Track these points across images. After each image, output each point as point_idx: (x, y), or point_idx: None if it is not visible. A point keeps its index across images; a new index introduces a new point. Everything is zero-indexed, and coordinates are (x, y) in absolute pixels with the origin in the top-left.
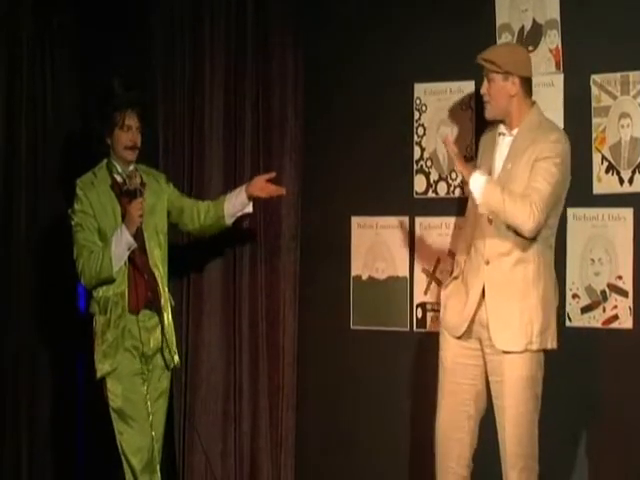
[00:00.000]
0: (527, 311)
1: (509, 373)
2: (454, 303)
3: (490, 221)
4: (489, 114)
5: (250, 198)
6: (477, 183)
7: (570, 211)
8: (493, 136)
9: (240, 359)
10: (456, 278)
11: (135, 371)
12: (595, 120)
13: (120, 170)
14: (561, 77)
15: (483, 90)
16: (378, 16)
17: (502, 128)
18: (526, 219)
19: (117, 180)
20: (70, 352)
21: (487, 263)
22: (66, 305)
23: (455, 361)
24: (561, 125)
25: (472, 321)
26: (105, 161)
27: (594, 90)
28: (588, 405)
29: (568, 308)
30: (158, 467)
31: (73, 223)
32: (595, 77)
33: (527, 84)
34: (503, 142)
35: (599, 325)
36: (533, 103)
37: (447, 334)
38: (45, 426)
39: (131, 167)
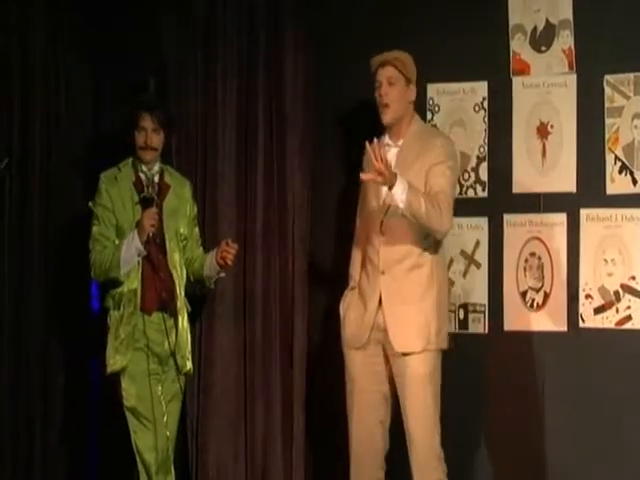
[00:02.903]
0: (423, 313)
1: (410, 372)
2: (353, 315)
3: (382, 232)
4: (387, 118)
5: (221, 267)
6: (401, 186)
7: (583, 212)
8: None
9: (252, 361)
10: (353, 289)
11: (149, 371)
12: (608, 120)
13: (145, 169)
14: (574, 77)
15: (384, 91)
16: (390, 16)
17: (386, 139)
18: (443, 222)
19: (141, 178)
20: (83, 351)
21: (382, 273)
22: (79, 304)
23: (362, 371)
24: (574, 125)
25: (372, 328)
26: (131, 158)
27: (607, 90)
28: (601, 406)
29: (581, 309)
30: (172, 467)
31: (93, 215)
32: (608, 77)
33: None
34: (389, 153)
35: (612, 326)
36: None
37: (349, 347)
38: (58, 425)
39: (156, 167)
